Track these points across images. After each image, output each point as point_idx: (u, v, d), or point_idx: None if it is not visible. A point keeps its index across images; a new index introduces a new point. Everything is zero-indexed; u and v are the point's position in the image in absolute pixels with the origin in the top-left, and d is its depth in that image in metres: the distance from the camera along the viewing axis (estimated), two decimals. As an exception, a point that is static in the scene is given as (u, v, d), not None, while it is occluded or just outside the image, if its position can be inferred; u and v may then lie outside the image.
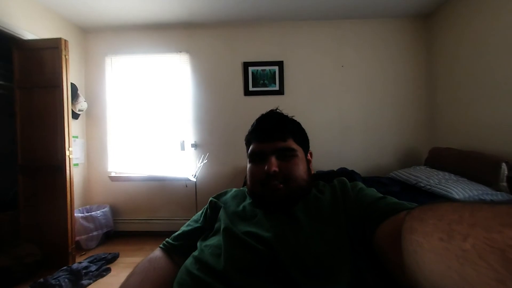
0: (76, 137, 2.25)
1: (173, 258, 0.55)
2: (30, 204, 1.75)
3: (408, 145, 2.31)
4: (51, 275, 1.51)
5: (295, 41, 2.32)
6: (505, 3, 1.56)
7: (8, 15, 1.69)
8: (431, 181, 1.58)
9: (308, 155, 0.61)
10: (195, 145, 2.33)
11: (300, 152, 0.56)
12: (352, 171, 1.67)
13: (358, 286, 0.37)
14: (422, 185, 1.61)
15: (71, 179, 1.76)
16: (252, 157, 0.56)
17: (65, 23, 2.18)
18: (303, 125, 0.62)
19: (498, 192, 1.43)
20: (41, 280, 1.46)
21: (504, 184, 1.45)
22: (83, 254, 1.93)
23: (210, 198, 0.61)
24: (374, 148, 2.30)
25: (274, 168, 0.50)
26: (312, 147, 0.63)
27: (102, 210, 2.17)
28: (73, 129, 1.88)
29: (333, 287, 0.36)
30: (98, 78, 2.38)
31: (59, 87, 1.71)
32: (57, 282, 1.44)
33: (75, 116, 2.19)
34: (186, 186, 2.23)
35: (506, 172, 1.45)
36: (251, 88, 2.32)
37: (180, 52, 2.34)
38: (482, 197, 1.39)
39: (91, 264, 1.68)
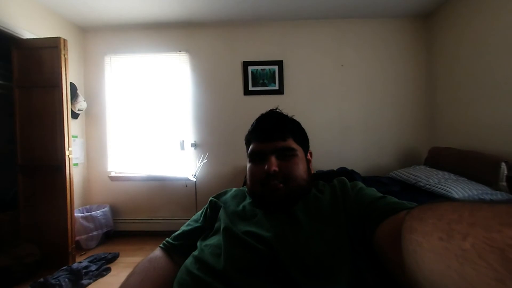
0: (76, 136, 2.25)
1: (173, 258, 0.55)
2: (30, 204, 1.75)
3: (408, 144, 2.31)
4: (51, 275, 1.51)
5: (294, 40, 2.32)
6: (505, 3, 1.56)
7: (7, 14, 1.68)
8: (431, 181, 1.58)
9: (308, 154, 0.61)
10: (195, 145, 2.33)
11: (300, 151, 0.56)
12: (352, 170, 1.67)
13: (358, 286, 0.37)
14: (422, 184, 1.61)
15: (71, 179, 1.76)
16: (252, 157, 0.56)
17: (64, 22, 2.18)
18: (303, 125, 0.62)
19: (498, 192, 1.43)
20: (41, 280, 1.46)
21: (504, 183, 1.46)
22: (83, 254, 1.93)
23: (210, 198, 0.61)
24: (374, 147, 2.31)
25: (274, 167, 0.50)
26: (312, 147, 0.63)
27: (102, 210, 2.17)
28: (72, 129, 1.88)
29: (333, 287, 0.36)
30: (98, 78, 2.38)
31: (58, 86, 1.71)
32: (57, 282, 1.44)
33: (75, 115, 2.19)
34: (186, 186, 2.23)
35: (505, 172, 1.45)
36: (250, 88, 2.32)
37: (180, 51, 2.34)
38: (481, 197, 1.39)
39: (91, 264, 1.68)
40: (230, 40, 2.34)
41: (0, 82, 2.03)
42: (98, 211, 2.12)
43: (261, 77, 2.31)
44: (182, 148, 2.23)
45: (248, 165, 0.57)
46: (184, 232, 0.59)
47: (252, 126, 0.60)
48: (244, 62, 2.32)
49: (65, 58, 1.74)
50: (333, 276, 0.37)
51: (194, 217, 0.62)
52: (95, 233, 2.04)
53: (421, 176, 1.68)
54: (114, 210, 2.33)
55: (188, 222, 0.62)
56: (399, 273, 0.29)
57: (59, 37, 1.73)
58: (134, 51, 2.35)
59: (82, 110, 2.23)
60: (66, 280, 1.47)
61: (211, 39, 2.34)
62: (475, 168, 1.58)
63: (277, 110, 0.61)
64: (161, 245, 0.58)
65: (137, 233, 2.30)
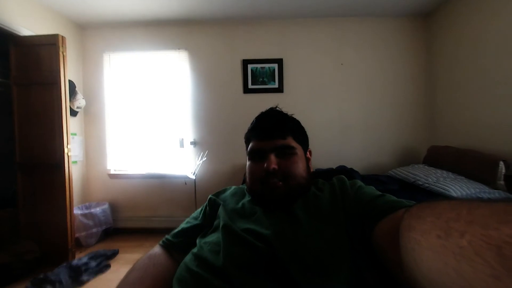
0: (75, 134, 2.24)
1: (172, 255, 0.55)
2: (30, 202, 1.75)
3: (407, 144, 2.32)
4: (51, 272, 1.52)
5: (294, 39, 2.31)
6: (505, 3, 1.56)
7: (4, 11, 1.66)
8: (429, 179, 1.59)
9: (308, 153, 0.61)
10: (194, 143, 2.33)
11: (299, 150, 0.56)
12: (351, 169, 1.67)
13: (358, 285, 0.37)
14: (421, 183, 1.62)
15: (70, 177, 1.76)
16: (252, 155, 0.56)
17: (62, 20, 2.16)
18: (303, 123, 0.62)
19: (496, 191, 1.44)
20: (41, 276, 1.47)
21: (502, 182, 1.46)
22: (83, 251, 1.93)
23: (209, 196, 0.61)
24: (373, 146, 2.31)
25: (273, 165, 0.50)
26: (311, 145, 0.63)
27: (102, 207, 2.17)
28: (71, 127, 1.87)
29: (333, 286, 0.36)
30: (96, 75, 2.37)
31: (57, 84, 1.70)
32: (58, 278, 1.45)
33: (73, 113, 2.18)
34: (186, 184, 2.24)
35: (503, 171, 1.46)
36: (250, 86, 2.31)
37: (179, 49, 2.32)
38: (479, 195, 1.40)
39: (91, 261, 1.68)
40: (230, 38, 2.33)
41: (-2, 79, 2.02)
42: (98, 209, 2.13)
43: (261, 75, 2.31)
44: (182, 146, 2.23)
45: (248, 163, 0.57)
46: (183, 230, 0.59)
47: (251, 124, 0.60)
48: (243, 60, 2.30)
49: (63, 56, 1.73)
50: (333, 275, 0.37)
51: (193, 214, 0.62)
52: (94, 230, 2.05)
53: (420, 174, 1.68)
54: (114, 208, 2.33)
55: (187, 219, 0.62)
56: (397, 271, 0.29)
57: (57, 34, 1.71)
58: (133, 48, 2.34)
59: (80, 108, 2.22)
60: (66, 276, 1.48)
61: (211, 37, 2.33)
62: (474, 167, 1.59)
63: (277, 108, 0.61)
64: (160, 242, 0.58)
65: (136, 231, 2.30)
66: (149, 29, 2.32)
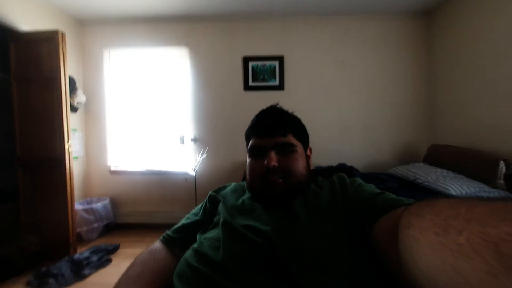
0: (75, 130, 2.24)
1: (173, 250, 0.56)
2: (31, 196, 1.76)
3: (407, 142, 2.32)
4: (53, 265, 1.54)
5: (296, 36, 2.29)
6: (506, 2, 1.54)
7: (3, 6, 1.65)
8: (429, 178, 1.59)
9: (308, 150, 0.61)
10: (194, 140, 2.33)
11: (299, 147, 0.56)
12: (351, 167, 1.67)
13: (357, 284, 0.37)
14: (420, 181, 1.62)
15: (71, 172, 1.77)
16: (252, 152, 0.56)
17: (62, 15, 2.14)
18: (303, 121, 0.62)
19: (495, 190, 1.44)
20: (44, 269, 1.49)
21: (501, 181, 1.47)
22: (84, 246, 1.95)
23: (210, 192, 0.62)
24: (374, 145, 2.31)
25: (274, 163, 0.50)
26: (312, 143, 0.63)
27: (102, 202, 2.18)
28: (71, 122, 1.87)
29: (332, 285, 0.36)
30: (96, 72, 2.36)
31: (57, 80, 1.70)
32: (59, 272, 1.47)
33: (74, 109, 2.18)
34: (186, 180, 2.24)
35: (503, 170, 1.46)
36: (251, 83, 2.30)
37: (180, 45, 2.31)
38: (479, 194, 1.40)
39: (92, 255, 1.70)
40: (231, 34, 2.31)
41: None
42: (99, 204, 2.14)
43: (262, 72, 2.29)
44: (182, 142, 2.23)
45: (248, 160, 0.57)
46: (183, 225, 0.59)
47: (252, 121, 0.60)
48: (244, 57, 2.29)
49: (63, 52, 1.72)
50: (333, 274, 0.37)
51: (194, 210, 0.63)
52: (95, 225, 2.07)
53: (420, 173, 1.68)
54: (114, 203, 2.34)
55: (187, 215, 0.62)
56: (396, 270, 0.29)
57: (57, 30, 1.70)
58: (133, 44, 2.32)
59: (81, 104, 2.22)
60: (68, 270, 1.50)
61: (212, 33, 2.31)
62: (474, 166, 1.59)
63: (278, 106, 0.61)
64: (161, 238, 0.59)
65: (137, 226, 2.32)
66: (150, 25, 2.30)
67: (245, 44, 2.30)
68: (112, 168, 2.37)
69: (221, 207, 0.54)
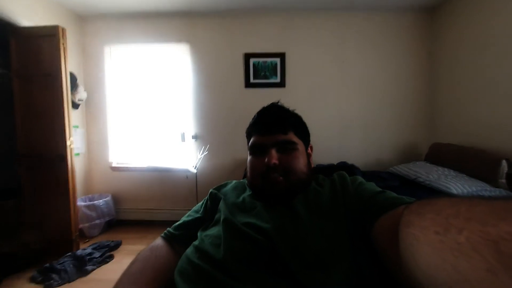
0: (77, 127, 2.25)
1: (174, 247, 0.56)
2: (34, 193, 1.77)
3: (409, 141, 2.31)
4: (56, 261, 1.56)
5: (297, 33, 2.27)
6: (508, 1, 1.53)
7: (3, 0, 1.64)
8: (431, 177, 1.59)
9: (309, 148, 0.61)
10: (195, 137, 2.33)
11: (300, 145, 0.56)
12: (352, 165, 1.67)
13: (358, 282, 0.37)
14: (421, 180, 1.62)
15: (73, 169, 1.78)
16: (253, 150, 0.56)
17: (63, 10, 2.13)
18: (304, 119, 0.62)
19: (497, 189, 1.44)
20: (47, 265, 1.51)
21: (503, 181, 1.46)
22: (87, 242, 1.98)
23: (211, 190, 0.62)
24: (375, 143, 2.30)
25: (274, 160, 0.50)
26: (313, 141, 0.63)
27: (104, 199, 2.20)
28: (73, 119, 1.87)
29: (333, 283, 0.37)
30: (97, 68, 2.35)
31: (58, 76, 1.69)
32: (63, 267, 1.49)
33: (75, 106, 2.18)
34: (187, 178, 2.25)
35: (506, 169, 1.45)
36: (252, 80, 2.29)
37: (181, 42, 2.30)
38: (480, 194, 1.40)
39: (94, 251, 1.72)
40: (232, 31, 2.29)
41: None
42: (101, 200, 2.16)
43: (263, 69, 2.28)
44: (183, 139, 2.24)
45: (249, 157, 0.57)
46: (185, 223, 0.60)
47: (253, 119, 0.60)
48: (245, 53, 2.27)
49: (64, 47, 1.71)
50: (333, 272, 0.37)
51: (195, 208, 0.63)
52: (97, 221, 2.08)
53: (421, 171, 1.68)
54: (116, 200, 2.36)
55: (188, 213, 0.62)
56: (396, 270, 0.29)
57: (58, 26, 1.69)
58: (134, 41, 2.31)
59: (82, 100, 2.22)
60: (71, 265, 1.51)
61: (213, 29, 2.29)
62: (476, 165, 1.58)
63: (279, 103, 0.61)
64: (162, 235, 0.59)
65: (138, 223, 2.34)
66: (150, 21, 2.28)
67: (247, 40, 2.28)
68: (114, 165, 2.39)
69: (222, 205, 0.54)
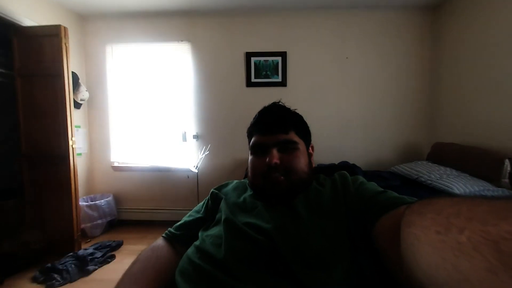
0: (79, 126, 2.26)
1: (175, 247, 0.56)
2: (36, 193, 1.78)
3: (410, 140, 2.30)
4: (58, 261, 1.56)
5: (298, 32, 2.26)
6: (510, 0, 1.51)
7: (6, 0, 1.65)
8: (432, 176, 1.58)
9: (310, 148, 0.61)
10: (196, 136, 2.34)
11: (301, 145, 0.55)
12: (353, 165, 1.66)
13: (358, 282, 0.37)
14: (423, 179, 1.61)
15: (75, 169, 1.78)
16: (254, 149, 0.56)
17: (64, 10, 2.14)
18: (305, 118, 0.62)
19: (499, 189, 1.43)
20: (49, 265, 1.51)
21: (506, 180, 1.45)
22: (88, 242, 1.98)
23: (212, 190, 0.62)
24: (376, 142, 2.29)
25: (275, 160, 0.50)
26: (314, 141, 0.62)
27: (106, 199, 2.21)
28: (75, 119, 1.88)
29: (334, 283, 0.37)
30: (99, 67, 2.36)
31: (60, 75, 1.70)
32: (64, 267, 1.49)
33: (77, 105, 2.19)
34: (188, 177, 2.26)
35: (508, 169, 1.44)
36: (253, 79, 2.29)
37: (182, 41, 2.30)
38: (482, 193, 1.39)
39: (96, 251, 1.73)
40: (233, 30, 2.29)
41: (1, 71, 2.02)
42: (102, 200, 2.17)
43: (264, 68, 2.28)
44: (184, 139, 2.24)
45: (250, 157, 0.57)
46: (186, 223, 0.60)
47: (254, 118, 0.60)
48: (247, 53, 2.27)
49: (66, 47, 1.72)
50: (334, 272, 0.37)
51: (196, 208, 0.63)
52: (99, 221, 2.09)
53: (423, 171, 1.67)
54: (117, 200, 2.37)
55: (190, 212, 0.63)
56: (397, 270, 0.29)
57: (60, 25, 1.70)
58: (135, 40, 2.32)
59: (84, 100, 2.23)
60: (73, 265, 1.52)
61: (214, 28, 2.29)
62: (478, 165, 1.57)
63: (280, 103, 0.60)
64: (163, 235, 0.59)
65: (140, 223, 2.35)
66: (152, 20, 2.29)
67: (247, 39, 2.28)
68: (115, 165, 2.39)
69: (223, 205, 0.54)
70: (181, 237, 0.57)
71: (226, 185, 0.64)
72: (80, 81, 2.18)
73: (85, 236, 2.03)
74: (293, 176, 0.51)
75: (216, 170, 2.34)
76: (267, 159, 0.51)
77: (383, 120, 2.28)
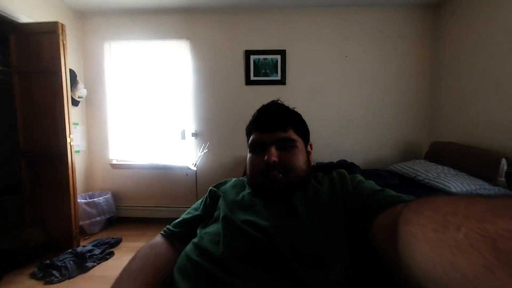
0: (77, 124, 2.25)
1: (173, 244, 0.57)
2: (35, 190, 1.78)
3: (409, 139, 2.30)
4: (57, 257, 1.57)
5: (298, 30, 2.25)
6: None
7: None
8: (430, 175, 1.59)
9: (308, 146, 0.61)
10: (195, 134, 2.33)
11: (300, 143, 0.56)
12: (352, 163, 1.67)
13: (356, 280, 0.38)
14: (421, 178, 1.62)
15: (73, 166, 1.78)
16: (253, 147, 0.56)
17: (62, 6, 2.11)
18: (304, 117, 0.62)
19: (496, 187, 1.44)
20: (47, 261, 1.51)
21: (503, 179, 1.46)
22: (87, 239, 1.99)
23: (210, 187, 0.62)
24: (375, 141, 2.30)
25: (274, 158, 0.51)
26: (312, 139, 0.63)
27: (104, 196, 2.21)
28: (73, 116, 1.87)
29: (332, 280, 0.37)
30: (97, 64, 2.34)
31: (58, 73, 1.69)
32: (63, 264, 1.49)
33: (75, 103, 2.18)
34: (187, 175, 2.26)
35: (505, 168, 1.45)
36: (252, 78, 2.28)
37: (181, 38, 2.28)
38: (479, 192, 1.40)
39: (95, 248, 1.73)
40: (233, 27, 2.27)
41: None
42: (101, 198, 2.16)
43: (263, 66, 2.27)
44: (183, 137, 2.23)
45: (249, 155, 0.57)
46: (184, 220, 0.60)
47: (253, 116, 0.60)
48: (246, 51, 2.26)
49: (63, 44, 1.70)
50: (332, 270, 0.37)
51: (194, 205, 0.63)
52: (98, 218, 2.09)
53: (421, 170, 1.68)
54: (116, 197, 2.37)
55: (188, 210, 0.63)
56: (395, 269, 0.29)
57: (57, 22, 1.68)
58: (134, 37, 2.30)
59: (82, 98, 2.22)
60: (71, 262, 1.52)
61: (213, 26, 2.27)
62: (475, 163, 1.58)
63: (279, 101, 0.60)
64: (162, 232, 0.60)
65: (138, 220, 2.35)
66: (151, 17, 2.27)
67: (247, 37, 2.27)
68: (114, 162, 2.39)
69: (221, 202, 0.54)
70: (179, 235, 0.57)
71: (225, 183, 0.64)
72: (78, 78, 2.17)
73: (83, 233, 2.03)
74: (291, 174, 0.51)
75: (215, 168, 2.34)
76: (266, 157, 0.51)
77: (382, 118, 2.28)
